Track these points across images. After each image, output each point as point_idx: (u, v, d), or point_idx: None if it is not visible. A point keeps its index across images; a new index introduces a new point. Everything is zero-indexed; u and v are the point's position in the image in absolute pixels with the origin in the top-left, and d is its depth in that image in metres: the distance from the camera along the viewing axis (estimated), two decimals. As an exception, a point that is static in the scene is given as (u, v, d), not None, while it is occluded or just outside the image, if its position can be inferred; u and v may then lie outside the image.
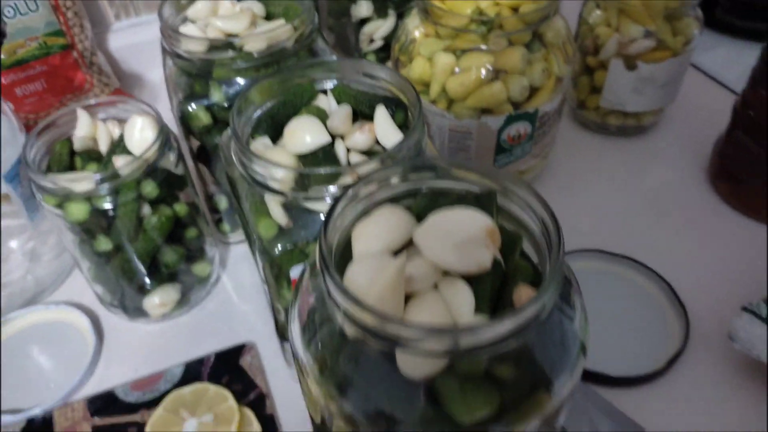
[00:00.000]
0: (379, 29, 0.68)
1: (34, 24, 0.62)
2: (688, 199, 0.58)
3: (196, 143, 0.51)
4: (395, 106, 0.38)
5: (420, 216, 0.26)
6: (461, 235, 0.24)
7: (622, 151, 0.64)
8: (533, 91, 0.50)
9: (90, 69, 0.68)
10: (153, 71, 0.78)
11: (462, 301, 0.23)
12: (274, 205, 0.36)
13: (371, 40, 0.69)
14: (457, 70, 0.49)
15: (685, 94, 0.70)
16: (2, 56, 0.62)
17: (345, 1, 0.68)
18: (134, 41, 0.76)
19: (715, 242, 0.54)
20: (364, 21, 0.69)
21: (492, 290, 0.24)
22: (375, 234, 0.25)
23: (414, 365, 0.23)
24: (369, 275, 0.23)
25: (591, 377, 0.45)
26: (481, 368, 0.23)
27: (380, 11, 0.67)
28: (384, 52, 0.69)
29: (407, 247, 0.26)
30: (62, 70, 0.66)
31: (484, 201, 0.26)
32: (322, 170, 0.33)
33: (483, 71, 0.48)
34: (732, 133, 0.55)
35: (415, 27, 0.52)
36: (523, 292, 0.23)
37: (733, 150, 0.56)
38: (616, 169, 0.62)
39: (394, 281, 0.22)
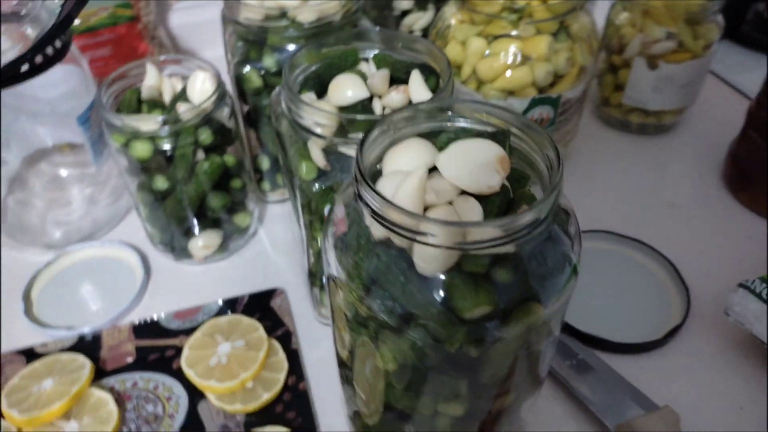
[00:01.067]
0: (418, 21, 0.73)
1: (107, -5, 0.69)
2: (700, 195, 0.62)
3: (246, 107, 0.57)
4: (428, 73, 0.43)
5: (442, 148, 0.31)
6: (476, 161, 0.28)
7: (641, 147, 0.68)
8: (557, 78, 0.55)
9: (152, 41, 0.75)
10: (208, 50, 0.84)
11: (472, 213, 0.28)
12: (315, 148, 0.41)
13: (411, 31, 0.74)
14: (487, 54, 0.54)
15: (707, 100, 0.73)
16: (76, 23, 0.69)
17: (387, -7, 0.74)
18: (193, 20, 0.82)
19: (721, 233, 0.58)
20: (405, 13, 0.74)
21: (499, 208, 0.28)
22: (402, 158, 0.30)
23: (428, 261, 0.27)
24: (395, 185, 0.28)
25: (594, 342, 0.48)
26: (483, 268, 0.27)
27: (420, 4, 0.72)
28: (422, 43, 0.74)
29: (430, 172, 0.30)
30: (128, 39, 0.72)
31: (498, 137, 0.30)
32: (360, 117, 0.38)
33: (511, 56, 0.53)
34: (745, 133, 0.59)
35: (452, 14, 0.57)
36: (524, 209, 0.28)
37: (745, 149, 0.59)
38: (635, 164, 0.66)
39: (416, 186, 0.27)
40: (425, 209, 0.28)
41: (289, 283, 0.55)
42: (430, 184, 0.28)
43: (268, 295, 0.53)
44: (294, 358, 0.48)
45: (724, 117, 0.71)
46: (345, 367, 0.37)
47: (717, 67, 0.79)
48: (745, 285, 0.45)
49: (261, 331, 0.49)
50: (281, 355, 0.48)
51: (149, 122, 0.46)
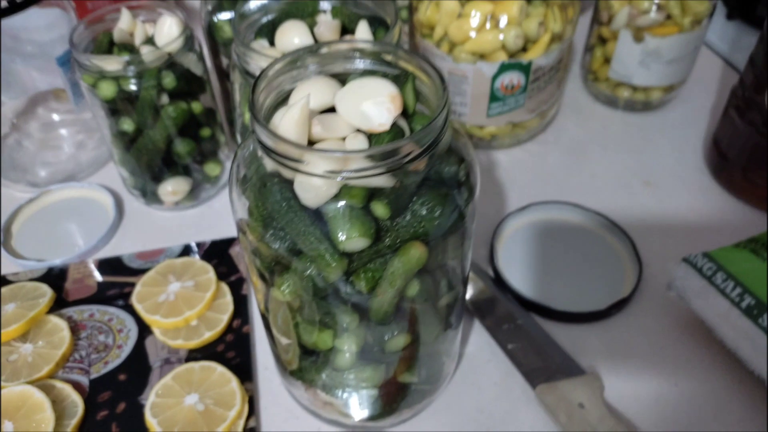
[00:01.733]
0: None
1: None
2: (679, 174, 0.60)
3: (225, 61, 0.58)
4: (378, 24, 0.43)
5: (345, 87, 0.31)
6: (368, 98, 0.29)
7: (626, 124, 0.66)
8: (529, 43, 0.54)
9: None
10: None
11: (358, 147, 0.28)
12: (259, 94, 0.42)
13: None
14: (459, 15, 0.53)
15: (708, 80, 0.71)
16: (80, -28, 0.71)
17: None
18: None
19: (694, 213, 0.56)
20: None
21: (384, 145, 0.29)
22: (303, 94, 0.30)
23: (308, 190, 0.28)
24: (282, 116, 0.28)
25: (538, 309, 0.48)
26: (360, 200, 0.27)
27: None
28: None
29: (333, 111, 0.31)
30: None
31: (401, 79, 0.30)
32: (282, 60, 0.38)
33: (482, 18, 0.52)
34: (726, 113, 0.57)
35: (430, -25, 0.57)
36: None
37: (724, 129, 0.57)
38: (617, 141, 0.65)
39: (299, 116, 0.27)
40: (316, 144, 0.29)
41: (253, 233, 0.56)
42: (321, 119, 0.29)
43: (230, 242, 0.55)
44: (242, 303, 0.50)
45: (721, 100, 0.69)
46: (264, 317, 0.39)
47: (724, 49, 0.76)
48: (689, 260, 0.44)
49: (211, 274, 0.50)
50: (228, 298, 0.49)
51: (113, 62, 0.47)
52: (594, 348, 0.46)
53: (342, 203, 0.28)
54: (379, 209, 0.28)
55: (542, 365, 0.44)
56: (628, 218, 0.55)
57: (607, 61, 0.65)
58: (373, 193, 0.28)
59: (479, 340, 0.47)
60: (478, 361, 0.46)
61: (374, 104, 0.29)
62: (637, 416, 0.42)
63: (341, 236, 0.28)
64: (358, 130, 0.29)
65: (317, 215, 0.28)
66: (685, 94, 0.69)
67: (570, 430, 0.39)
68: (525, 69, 0.54)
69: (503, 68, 0.54)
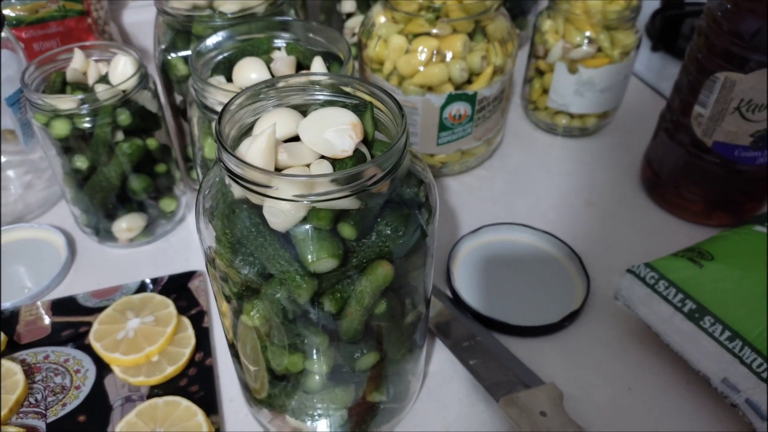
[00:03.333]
0: (359, 24, 0.75)
1: (56, -11, 0.71)
2: (617, 194, 0.64)
3: (179, 98, 0.59)
4: (332, 59, 0.45)
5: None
6: (330, 126, 0.30)
7: (566, 149, 0.70)
8: (474, 76, 0.57)
9: (102, 36, 0.77)
10: (159, 48, 0.86)
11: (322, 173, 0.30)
12: (218, 127, 0.43)
13: (353, 34, 0.77)
14: (407, 51, 0.56)
15: (637, 107, 0.76)
16: (25, 14, 0.71)
17: (333, -3, 0.77)
18: (144, 19, 0.84)
19: (632, 229, 0.60)
20: (349, 15, 0.77)
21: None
22: (266, 124, 0.32)
23: (276, 215, 0.29)
24: (248, 145, 0.29)
25: (495, 325, 0.50)
26: (327, 222, 0.29)
27: (362, 8, 0.75)
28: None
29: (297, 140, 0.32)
30: (76, 33, 0.74)
31: (360, 108, 0.32)
32: (245, 92, 0.40)
33: (428, 53, 0.55)
34: (657, 136, 0.61)
35: (377, 13, 0.59)
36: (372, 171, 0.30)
37: (655, 150, 0.61)
38: (559, 165, 0.68)
39: (265, 144, 0.28)
40: (282, 171, 0.30)
41: (211, 267, 0.56)
42: (287, 147, 0.30)
43: (188, 276, 0.55)
44: (204, 336, 0.50)
45: (651, 125, 0.74)
46: (233, 346, 0.39)
47: (651, 78, 0.82)
48: (632, 270, 0.47)
49: (171, 308, 0.50)
50: (190, 332, 0.49)
51: (67, 101, 0.47)
52: (551, 359, 0.48)
53: (310, 226, 0.29)
54: (346, 230, 0.29)
55: (503, 378, 0.45)
56: (574, 236, 0.58)
57: (545, 91, 0.69)
58: (339, 216, 0.29)
59: (442, 359, 0.49)
60: (442, 379, 0.47)
61: (336, 132, 0.30)
62: (595, 421, 0.44)
63: (311, 258, 0.29)
64: (322, 157, 0.31)
65: (286, 239, 0.29)
66: (618, 120, 0.74)
67: (533, 439, 0.41)
68: (471, 99, 0.58)
69: (450, 99, 0.57)
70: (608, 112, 0.70)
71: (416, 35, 0.56)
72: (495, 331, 0.50)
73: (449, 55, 0.55)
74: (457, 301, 0.52)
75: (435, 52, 0.55)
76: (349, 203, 0.29)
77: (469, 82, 0.58)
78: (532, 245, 0.57)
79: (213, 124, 0.44)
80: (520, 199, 0.64)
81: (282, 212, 0.28)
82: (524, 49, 0.81)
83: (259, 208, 0.29)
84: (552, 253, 0.57)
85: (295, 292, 0.29)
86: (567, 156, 0.70)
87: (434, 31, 0.56)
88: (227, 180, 0.30)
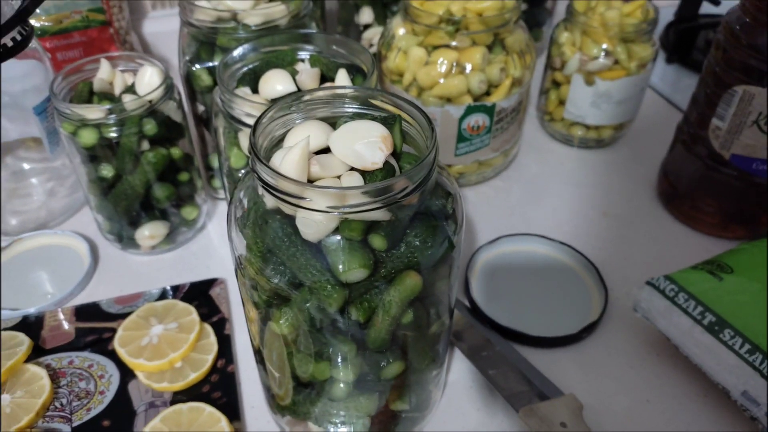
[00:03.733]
0: (377, 35, 0.76)
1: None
2: (634, 206, 0.64)
3: (201, 108, 0.60)
4: (356, 72, 0.46)
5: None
6: (361, 139, 0.31)
7: (582, 160, 0.71)
8: (492, 87, 0.58)
9: (123, 45, 0.78)
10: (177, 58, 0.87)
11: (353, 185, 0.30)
12: (245, 138, 0.44)
13: (370, 45, 0.78)
14: (426, 62, 0.57)
15: (653, 119, 0.77)
16: (49, 24, 0.72)
17: (351, 9, 0.77)
18: (167, 29, 0.86)
19: (648, 240, 0.60)
20: (366, 27, 0.78)
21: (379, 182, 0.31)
22: (298, 136, 0.32)
23: (309, 226, 0.29)
24: (282, 157, 0.30)
25: (513, 336, 0.50)
26: (359, 233, 0.29)
27: (380, 19, 0.76)
28: (381, 55, 0.78)
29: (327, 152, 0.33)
30: (98, 43, 0.75)
31: (389, 120, 0.33)
32: (279, 104, 0.40)
33: (448, 65, 0.56)
34: (673, 148, 0.62)
35: (397, 25, 0.60)
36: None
37: (672, 162, 0.62)
38: (575, 176, 0.69)
39: (299, 156, 0.29)
40: (314, 182, 0.31)
41: (231, 274, 0.57)
42: (319, 159, 0.31)
43: (209, 283, 0.55)
44: (226, 343, 0.50)
45: (666, 136, 0.74)
46: (259, 352, 0.39)
47: (666, 90, 0.82)
48: (652, 283, 0.47)
49: (194, 315, 0.51)
50: (212, 339, 0.50)
51: (95, 111, 0.48)
52: (568, 370, 0.49)
53: (341, 237, 0.29)
54: (377, 241, 0.30)
55: (523, 389, 0.46)
56: (590, 247, 0.59)
57: (561, 102, 0.70)
58: (369, 227, 0.30)
59: (460, 368, 0.49)
60: (461, 388, 0.48)
61: (367, 144, 0.31)
62: (614, 433, 0.45)
63: (342, 268, 0.29)
64: (352, 169, 0.31)
65: (317, 249, 0.30)
66: (633, 131, 0.74)
67: (554, 450, 0.41)
68: (489, 111, 0.58)
69: (469, 110, 0.58)
70: (624, 124, 0.70)
71: (435, 47, 0.57)
72: (513, 341, 0.51)
73: (468, 67, 0.56)
74: (475, 310, 0.53)
75: (454, 64, 0.56)
76: (380, 215, 0.29)
77: (487, 93, 0.58)
78: (550, 256, 0.58)
79: (239, 135, 0.45)
80: (536, 210, 0.64)
81: (315, 223, 0.29)
82: (539, 61, 0.82)
83: (291, 219, 0.30)
84: (569, 264, 0.57)
85: (326, 301, 0.30)
86: (582, 167, 0.70)
87: (453, 43, 0.57)
88: (260, 190, 0.31)
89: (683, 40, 0.86)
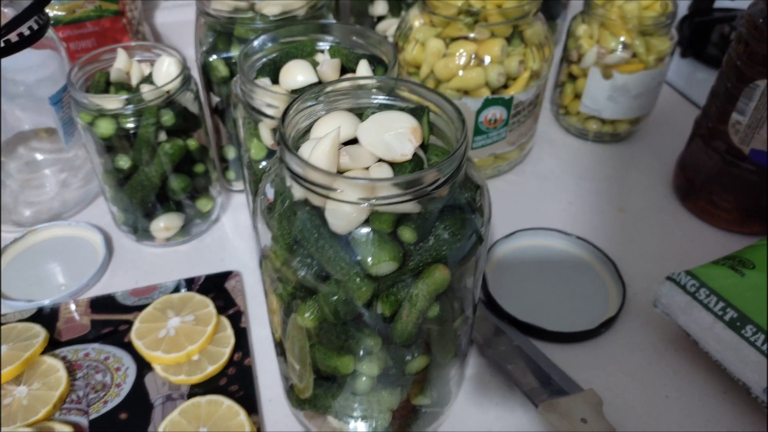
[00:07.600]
0: (391, 26, 0.76)
1: (93, -11, 0.72)
2: (649, 201, 0.64)
3: (216, 99, 0.59)
4: (377, 63, 0.45)
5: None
6: (390, 130, 0.31)
7: (598, 155, 0.70)
8: (510, 80, 0.57)
9: (135, 36, 0.78)
10: (190, 48, 0.87)
11: (382, 176, 0.30)
12: (265, 129, 0.44)
13: (385, 37, 0.77)
14: (444, 54, 0.57)
15: (668, 114, 0.76)
16: (63, 14, 0.72)
17: (365, 0, 0.77)
18: (178, 19, 0.85)
19: (664, 235, 0.60)
20: (380, 18, 0.78)
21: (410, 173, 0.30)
22: (326, 127, 0.32)
23: (338, 217, 0.29)
24: (311, 147, 0.30)
25: (532, 331, 0.50)
26: (389, 226, 0.29)
27: (394, 10, 0.75)
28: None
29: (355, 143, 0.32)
30: (111, 33, 0.75)
31: (417, 112, 0.32)
32: (306, 95, 0.40)
33: (466, 57, 0.55)
34: (691, 143, 0.61)
35: (414, 17, 0.60)
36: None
37: (690, 158, 0.61)
38: (590, 170, 0.68)
39: (329, 147, 0.29)
40: (343, 173, 0.30)
41: (246, 267, 0.57)
42: (348, 150, 0.31)
43: (224, 276, 0.55)
44: (242, 336, 0.50)
45: (682, 131, 0.74)
46: (280, 344, 0.39)
47: (681, 84, 0.82)
48: (672, 278, 0.47)
49: (211, 308, 0.50)
50: (229, 332, 0.50)
51: (113, 101, 0.48)
52: (587, 365, 0.48)
53: (371, 229, 0.29)
54: (407, 234, 0.29)
55: (542, 384, 0.45)
56: (606, 241, 0.58)
57: (577, 96, 0.69)
58: (399, 219, 0.30)
59: (479, 362, 0.49)
60: (480, 383, 0.47)
61: (396, 136, 0.30)
62: (633, 428, 0.44)
63: (371, 260, 0.29)
64: (381, 160, 0.31)
65: (346, 241, 0.30)
66: (648, 125, 0.74)
67: (575, 445, 0.41)
68: (507, 104, 0.58)
69: (487, 103, 0.57)
70: (640, 118, 0.70)
71: (453, 39, 0.57)
72: (530, 336, 0.50)
73: (487, 60, 0.55)
74: (492, 305, 0.52)
75: (473, 56, 0.56)
76: (410, 207, 0.29)
77: (505, 86, 0.58)
78: (566, 250, 0.58)
79: (259, 126, 0.44)
80: (551, 204, 0.64)
81: (345, 215, 0.29)
82: (555, 54, 0.81)
83: (320, 210, 0.30)
84: (586, 258, 0.57)
85: (355, 294, 0.30)
86: (598, 161, 0.70)
87: (472, 35, 0.56)
88: (288, 181, 0.31)
89: (698, 34, 0.86)
